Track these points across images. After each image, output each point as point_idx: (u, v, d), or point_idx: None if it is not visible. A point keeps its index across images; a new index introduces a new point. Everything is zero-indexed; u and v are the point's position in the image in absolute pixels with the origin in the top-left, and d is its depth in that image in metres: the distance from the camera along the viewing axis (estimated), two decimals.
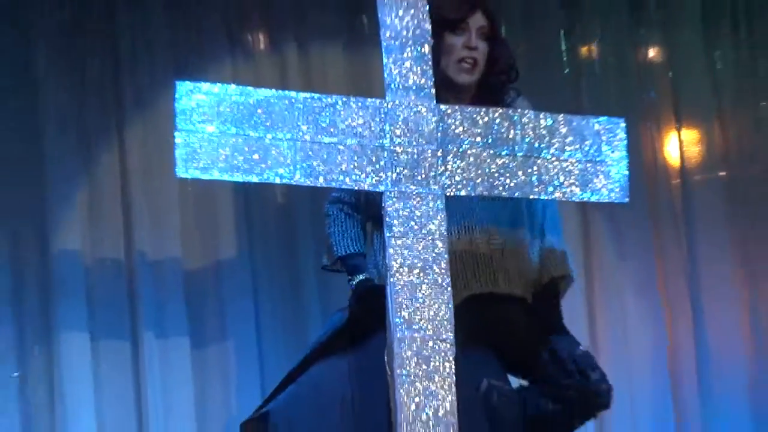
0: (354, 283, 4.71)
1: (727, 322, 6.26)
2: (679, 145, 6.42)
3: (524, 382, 4.79)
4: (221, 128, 4.17)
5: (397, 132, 4.32)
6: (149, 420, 5.61)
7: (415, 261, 4.19)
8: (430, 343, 4.16)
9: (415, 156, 4.30)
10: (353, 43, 5.94)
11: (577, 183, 4.50)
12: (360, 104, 4.31)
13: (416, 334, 4.14)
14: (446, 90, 4.57)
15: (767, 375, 6.25)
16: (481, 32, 4.82)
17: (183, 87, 4.22)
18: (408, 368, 4.10)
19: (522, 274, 4.76)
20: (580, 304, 6.10)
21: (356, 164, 4.27)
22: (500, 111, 4.47)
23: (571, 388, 4.72)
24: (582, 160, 4.52)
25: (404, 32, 4.45)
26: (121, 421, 5.64)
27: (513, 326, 4.76)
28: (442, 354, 4.15)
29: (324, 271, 5.04)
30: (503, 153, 4.44)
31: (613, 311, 6.18)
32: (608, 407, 4.74)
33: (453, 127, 4.39)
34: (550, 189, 4.49)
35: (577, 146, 4.53)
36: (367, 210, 4.82)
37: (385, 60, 4.37)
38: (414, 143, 4.31)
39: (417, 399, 4.09)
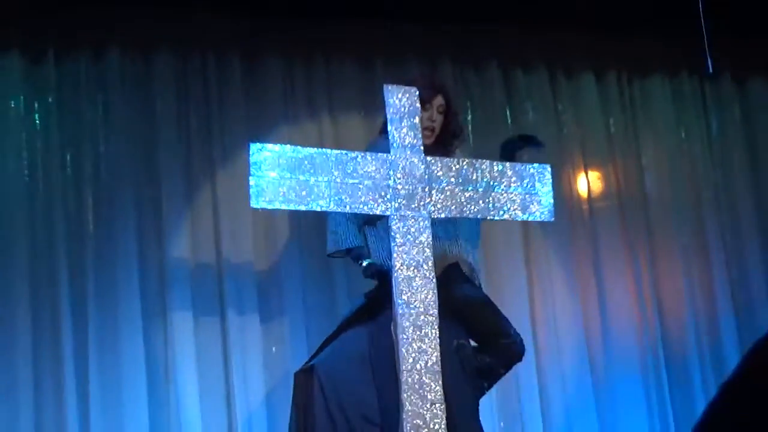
0: (364, 264, 4.83)
1: (620, 297, 6.35)
2: (587, 182, 6.49)
3: (474, 343, 4.92)
4: (280, 174, 4.49)
5: (398, 176, 4.60)
6: (233, 372, 5.59)
7: (411, 261, 4.49)
8: (422, 317, 4.44)
9: (410, 191, 4.59)
10: (369, 115, 5.88)
11: (519, 208, 4.78)
12: (373, 157, 4.62)
13: (412, 311, 4.43)
14: None
15: (646, 326, 6.30)
16: (439, 110, 5.05)
17: (254, 146, 4.54)
18: (407, 334, 4.41)
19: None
20: (523, 286, 6.17)
21: (371, 197, 4.56)
22: (467, 161, 4.74)
23: (498, 347, 4.92)
24: (522, 193, 4.78)
25: (402, 109, 4.72)
26: (213, 372, 5.61)
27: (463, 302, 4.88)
28: (430, 324, 4.44)
29: (330, 258, 5.19)
30: (469, 188, 4.71)
31: (544, 291, 6.24)
32: (521, 359, 4.99)
33: (435, 171, 4.66)
34: (501, 212, 4.76)
35: (519, 183, 4.80)
36: (364, 218, 4.90)
37: (389, 127, 4.66)
38: (409, 183, 4.60)
39: (413, 355, 4.38)
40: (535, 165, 4.91)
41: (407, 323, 4.44)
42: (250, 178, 4.49)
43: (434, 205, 4.64)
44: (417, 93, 4.83)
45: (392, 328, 4.53)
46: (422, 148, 4.72)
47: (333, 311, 5.73)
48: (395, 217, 4.57)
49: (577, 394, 6.14)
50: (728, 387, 1.37)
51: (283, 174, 4.51)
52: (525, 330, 5.94)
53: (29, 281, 5.50)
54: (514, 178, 4.82)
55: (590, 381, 6.18)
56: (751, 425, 1.28)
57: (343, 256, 5.07)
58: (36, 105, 5.73)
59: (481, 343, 4.96)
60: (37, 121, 5.71)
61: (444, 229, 4.94)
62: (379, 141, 5.03)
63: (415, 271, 4.51)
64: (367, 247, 4.98)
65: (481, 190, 4.75)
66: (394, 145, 4.68)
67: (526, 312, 6.15)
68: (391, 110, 4.75)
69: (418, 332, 4.44)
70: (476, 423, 4.80)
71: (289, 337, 5.81)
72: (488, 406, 5.64)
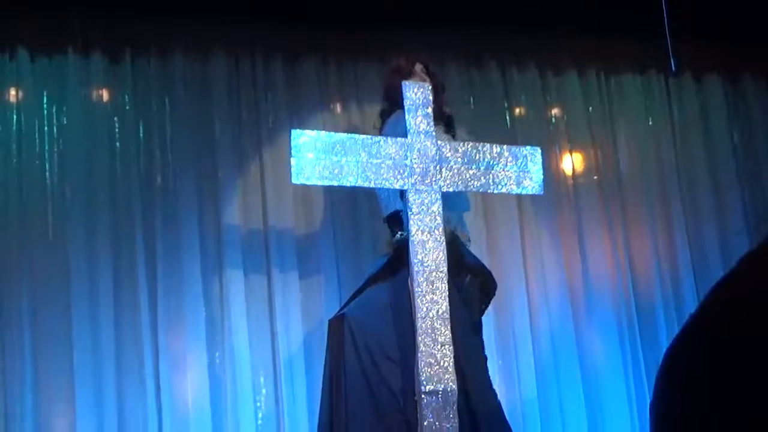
0: (398, 236, 4.78)
1: (599, 257, 6.35)
2: (571, 163, 6.50)
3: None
4: (316, 155, 4.47)
5: (414, 156, 4.58)
6: (276, 320, 5.58)
7: (425, 227, 4.47)
8: (434, 273, 4.43)
9: (424, 169, 4.57)
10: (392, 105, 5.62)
11: (514, 184, 4.78)
12: (393, 141, 4.60)
13: (426, 268, 4.42)
14: None
15: (620, 279, 6.33)
16: (423, 72, 5.10)
17: (295, 132, 4.57)
18: (421, 288, 4.40)
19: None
20: (517, 253, 6.14)
21: (391, 174, 4.55)
22: (471, 144, 4.74)
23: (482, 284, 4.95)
24: (517, 171, 4.77)
25: (417, 101, 4.69)
26: (260, 321, 5.60)
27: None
28: (440, 279, 4.44)
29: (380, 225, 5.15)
30: (473, 167, 4.69)
31: (535, 254, 6.21)
32: (494, 294, 5.07)
33: (445, 153, 4.65)
34: (500, 187, 4.77)
35: (514, 163, 4.78)
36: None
37: (407, 116, 4.64)
38: (423, 162, 4.58)
39: (427, 305, 4.39)
40: (528, 147, 4.90)
41: (421, 278, 4.44)
42: (291, 158, 4.49)
43: (444, 181, 4.63)
44: (429, 88, 4.81)
45: (409, 282, 4.52)
46: (434, 132, 4.69)
47: (360, 269, 5.65)
48: (411, 191, 4.56)
49: (562, 338, 6.14)
50: (690, 324, 1.38)
51: (319, 155, 4.50)
52: (519, 287, 6.10)
53: (111, 247, 5.50)
54: (510, 158, 4.80)
55: (573, 326, 6.16)
56: (707, 353, 1.31)
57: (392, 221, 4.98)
58: (114, 100, 5.76)
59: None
60: (116, 113, 5.73)
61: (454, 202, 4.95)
62: (388, 126, 5.05)
63: (428, 235, 4.50)
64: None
65: (483, 168, 4.74)
66: (411, 130, 4.65)
67: (521, 272, 6.13)
68: (408, 102, 4.71)
69: (430, 286, 4.44)
70: (480, 361, 4.81)
71: (324, 290, 5.78)
72: (487, 346, 5.48)
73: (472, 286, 4.94)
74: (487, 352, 5.19)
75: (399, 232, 4.77)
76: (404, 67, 5.18)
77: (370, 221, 5.72)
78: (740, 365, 1.29)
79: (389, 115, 5.08)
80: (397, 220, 4.81)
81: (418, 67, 5.19)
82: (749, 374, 1.28)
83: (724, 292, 1.39)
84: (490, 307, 5.42)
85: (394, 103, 5.05)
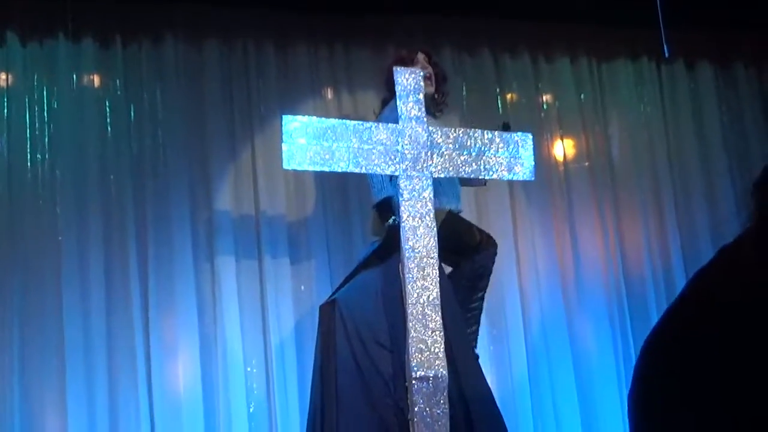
0: (390, 222, 4.75)
1: (590, 242, 6.36)
2: (562, 148, 6.49)
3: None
4: (308, 141, 4.43)
5: (405, 142, 4.55)
6: (268, 306, 5.56)
7: (416, 213, 4.44)
8: (424, 260, 4.40)
9: (415, 155, 4.54)
10: (381, 92, 5.51)
11: (506, 169, 4.75)
12: (384, 127, 4.57)
13: (417, 254, 4.39)
14: None
15: (611, 269, 6.33)
16: (426, 61, 5.12)
17: (287, 118, 4.50)
18: (412, 273, 4.38)
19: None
20: (509, 238, 6.10)
21: (383, 160, 4.52)
22: (463, 130, 4.71)
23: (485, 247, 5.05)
24: (509, 156, 4.74)
25: (408, 87, 4.65)
26: (252, 306, 5.59)
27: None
28: (431, 265, 4.42)
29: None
30: (464, 153, 4.66)
31: (527, 239, 6.21)
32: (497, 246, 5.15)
33: (436, 139, 4.61)
34: (491, 173, 4.74)
35: (505, 149, 4.75)
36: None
37: (398, 102, 4.60)
38: (414, 148, 4.55)
39: (418, 291, 4.37)
40: (519, 133, 4.89)
41: (412, 264, 4.42)
42: (283, 144, 4.45)
43: (435, 167, 4.61)
44: (421, 74, 4.80)
45: (400, 268, 4.51)
46: (425, 119, 4.67)
47: (351, 255, 5.67)
48: (403, 176, 4.54)
49: (554, 322, 6.15)
50: (670, 312, 1.41)
51: (310, 141, 4.47)
52: (511, 273, 6.09)
53: (102, 231, 5.49)
54: (501, 144, 4.79)
55: (564, 311, 6.18)
56: (685, 343, 1.33)
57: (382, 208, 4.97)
58: (105, 85, 5.73)
59: (477, 250, 5.05)
60: (107, 98, 5.70)
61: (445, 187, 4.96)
62: (385, 112, 5.03)
63: (419, 221, 4.49)
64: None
65: (474, 154, 4.72)
66: (402, 116, 4.63)
67: (513, 257, 6.14)
68: (399, 88, 4.68)
69: (421, 272, 4.42)
70: (469, 347, 4.79)
71: (315, 276, 5.78)
72: (480, 333, 5.55)
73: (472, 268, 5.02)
74: (479, 338, 5.21)
75: (392, 218, 4.75)
76: (407, 56, 5.19)
77: (361, 207, 5.70)
78: (707, 361, 1.30)
79: (389, 102, 5.04)
80: (389, 206, 4.80)
81: (421, 56, 5.21)
82: (715, 370, 1.29)
83: (698, 286, 1.40)
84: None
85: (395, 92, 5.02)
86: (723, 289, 1.35)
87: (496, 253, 5.17)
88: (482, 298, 5.14)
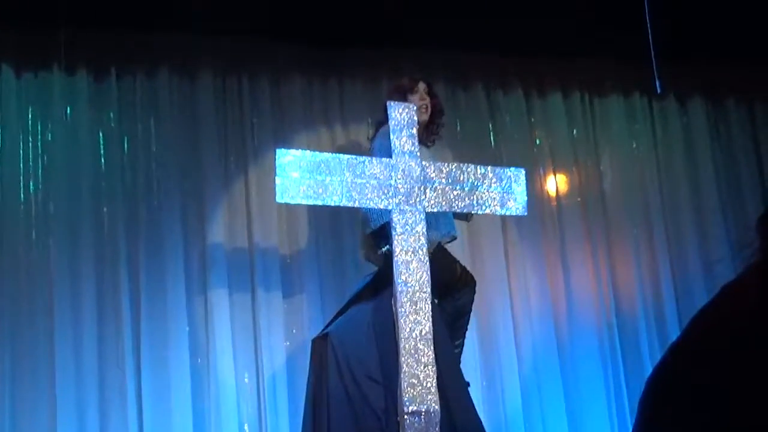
0: (384, 250, 4.73)
1: (582, 278, 6.33)
2: (555, 184, 6.49)
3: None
4: (301, 174, 4.46)
5: (399, 177, 4.58)
6: (260, 339, 5.55)
7: (408, 248, 4.47)
8: (417, 294, 4.43)
9: (408, 190, 4.57)
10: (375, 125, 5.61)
11: (498, 204, 4.79)
12: (378, 161, 4.60)
13: (410, 288, 4.42)
14: None
15: (603, 305, 6.29)
16: (425, 91, 5.13)
17: (280, 151, 4.54)
18: (404, 308, 4.41)
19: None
20: (502, 273, 6.11)
21: (376, 194, 4.54)
22: (455, 164, 4.74)
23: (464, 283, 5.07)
24: (501, 192, 4.78)
25: (402, 122, 4.68)
26: (244, 339, 5.57)
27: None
28: (423, 300, 4.44)
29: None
30: (457, 187, 4.69)
31: (518, 274, 6.19)
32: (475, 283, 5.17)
33: (429, 173, 4.65)
34: (484, 207, 4.77)
35: (498, 184, 4.78)
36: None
37: (392, 136, 4.64)
38: (408, 183, 4.58)
39: (410, 325, 4.38)
40: (512, 168, 4.92)
41: (405, 299, 4.44)
42: (276, 177, 4.47)
43: (428, 201, 4.63)
44: (415, 108, 4.84)
45: (392, 302, 4.51)
46: (419, 154, 4.69)
47: (343, 288, 5.66)
48: (396, 210, 4.56)
49: (546, 358, 6.12)
50: (674, 348, 1.36)
51: (304, 174, 4.49)
52: (504, 307, 6.08)
53: (94, 264, 5.47)
54: (494, 179, 4.81)
55: (556, 347, 6.16)
56: (692, 379, 1.31)
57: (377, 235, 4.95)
58: (99, 117, 5.71)
59: (454, 288, 5.06)
60: (100, 131, 5.70)
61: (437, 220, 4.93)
62: (375, 146, 5.02)
63: (412, 255, 4.50)
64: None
65: (467, 188, 4.74)
66: (396, 151, 4.66)
67: (505, 292, 6.14)
68: (393, 122, 4.72)
69: (414, 306, 4.44)
70: (461, 381, 4.77)
71: (307, 309, 5.76)
72: (472, 365, 5.67)
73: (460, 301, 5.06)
74: (471, 371, 5.25)
75: (386, 246, 4.72)
76: (407, 84, 5.21)
77: (354, 241, 5.68)
78: (717, 398, 1.30)
79: (383, 125, 5.05)
80: (384, 234, 4.77)
81: (422, 86, 5.23)
82: (724, 407, 1.28)
83: (703, 323, 1.39)
84: (474, 326, 5.47)
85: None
86: (730, 322, 1.34)
87: (474, 291, 5.18)
88: (463, 336, 5.13)
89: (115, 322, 5.43)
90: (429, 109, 5.19)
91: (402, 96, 5.05)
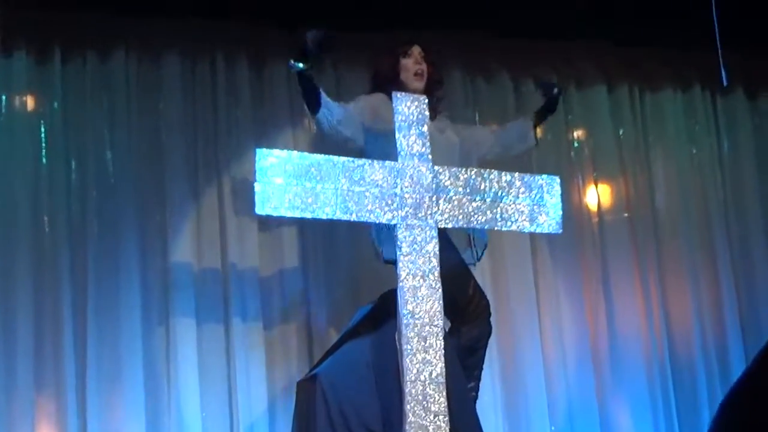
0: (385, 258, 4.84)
1: (628, 312, 6.32)
2: (596, 195, 6.50)
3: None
4: (286, 180, 4.44)
5: (405, 184, 4.57)
6: (236, 381, 5.54)
7: (417, 271, 4.45)
8: (427, 328, 4.41)
9: (417, 200, 4.56)
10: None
11: (527, 219, 4.77)
12: (380, 165, 4.58)
13: (417, 321, 4.39)
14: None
15: (654, 346, 6.27)
16: (421, 57, 5.17)
17: (261, 152, 4.49)
18: (411, 344, 4.37)
19: None
20: (530, 305, 6.11)
21: (378, 205, 4.52)
22: (475, 170, 4.74)
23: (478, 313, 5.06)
24: (530, 204, 4.77)
25: (411, 117, 4.68)
26: (215, 380, 5.56)
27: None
28: (434, 335, 4.42)
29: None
30: (477, 198, 4.69)
31: (551, 304, 6.20)
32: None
33: (443, 180, 4.63)
34: (509, 223, 4.75)
35: (527, 194, 4.77)
36: None
37: (397, 135, 4.62)
38: (417, 192, 4.57)
39: (418, 366, 4.35)
40: (544, 176, 4.91)
41: (412, 333, 4.41)
42: (256, 184, 4.45)
43: (441, 215, 4.62)
44: (426, 101, 4.81)
45: (396, 338, 4.48)
46: (431, 156, 4.67)
47: (337, 318, 5.68)
48: (401, 226, 4.54)
49: (583, 410, 6.12)
50: (738, 388, 1.38)
51: (290, 180, 4.47)
52: (532, 347, 6.09)
53: (32, 284, 5.46)
54: (522, 189, 4.81)
55: (596, 397, 6.16)
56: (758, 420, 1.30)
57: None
58: (41, 107, 5.71)
59: (463, 315, 5.04)
60: (42, 122, 5.69)
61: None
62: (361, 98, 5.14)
63: (421, 280, 4.48)
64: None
65: (489, 200, 4.74)
66: (402, 153, 4.65)
67: (535, 325, 6.14)
68: (400, 118, 4.71)
69: (422, 343, 4.41)
70: None
71: (293, 344, 5.77)
72: (493, 419, 5.71)
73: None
74: (491, 426, 5.27)
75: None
76: (398, 48, 5.23)
77: (350, 261, 5.72)
78: None
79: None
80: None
81: (416, 49, 5.25)
82: None
83: None
84: (496, 371, 5.47)
85: (377, 88, 5.19)
86: None
87: (489, 324, 5.14)
88: (477, 379, 5.11)
89: (54, 358, 5.41)
90: (425, 76, 5.20)
91: (393, 61, 5.14)
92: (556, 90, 5.45)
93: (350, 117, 5.00)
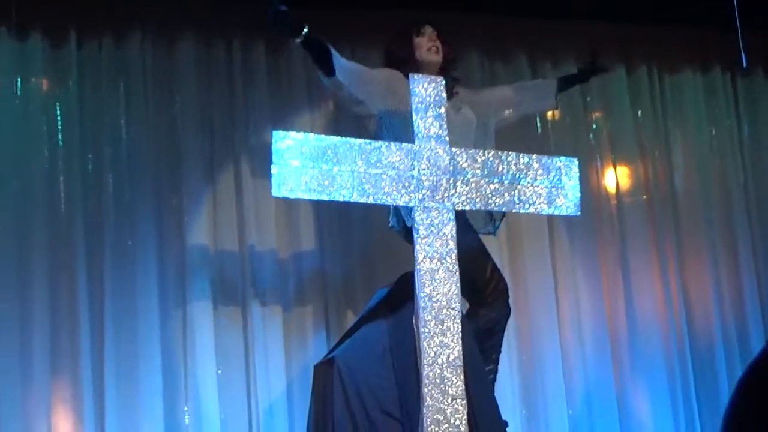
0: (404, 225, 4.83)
1: (647, 295, 6.32)
2: (615, 177, 6.51)
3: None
4: (303, 163, 4.42)
5: (423, 166, 4.55)
6: (254, 364, 5.57)
7: (434, 254, 4.45)
8: (444, 311, 4.40)
9: (434, 182, 4.55)
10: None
11: (545, 202, 4.76)
12: (397, 147, 4.56)
13: (434, 304, 4.39)
14: (422, 71, 4.88)
15: (673, 329, 6.28)
16: (434, 35, 5.16)
17: (277, 134, 4.48)
18: (428, 327, 4.37)
19: None
20: (548, 288, 6.13)
21: (395, 187, 4.51)
22: (493, 152, 4.72)
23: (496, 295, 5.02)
24: (548, 186, 4.76)
25: (428, 99, 4.67)
26: (233, 365, 5.60)
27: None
28: (452, 318, 4.41)
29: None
30: (494, 180, 4.67)
31: (568, 287, 6.21)
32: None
33: (460, 163, 4.62)
34: (527, 205, 4.74)
35: (545, 177, 4.76)
36: None
37: (414, 117, 4.61)
38: (434, 174, 4.56)
39: (435, 349, 4.35)
40: (563, 158, 4.89)
41: (429, 317, 4.41)
42: (272, 166, 4.43)
43: (459, 197, 4.60)
44: (443, 82, 4.80)
45: (414, 321, 4.47)
46: (448, 138, 4.66)
47: (354, 301, 5.71)
48: (419, 208, 4.53)
49: (601, 393, 6.12)
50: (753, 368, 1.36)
51: (306, 163, 4.46)
52: (550, 331, 6.09)
53: (48, 268, 5.46)
54: (540, 171, 4.79)
55: (614, 382, 6.15)
56: None
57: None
58: (57, 90, 5.72)
59: (481, 298, 5.01)
60: (58, 106, 5.69)
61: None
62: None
63: (438, 263, 4.47)
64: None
65: (506, 182, 4.72)
66: (419, 135, 4.64)
67: (552, 308, 6.14)
68: (416, 99, 4.70)
69: (440, 326, 4.41)
70: (498, 419, 4.74)
71: (310, 327, 5.78)
72: (512, 403, 5.72)
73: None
74: (508, 409, 5.21)
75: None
76: (411, 27, 5.21)
77: (366, 243, 5.74)
78: None
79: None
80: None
81: (429, 28, 5.23)
82: None
83: None
84: (513, 355, 5.53)
85: (389, 64, 5.18)
86: None
87: (509, 306, 5.11)
88: (495, 362, 5.08)
89: (71, 343, 5.41)
90: (440, 52, 5.18)
91: (406, 40, 5.13)
92: (600, 65, 5.51)
93: (363, 76, 4.99)
